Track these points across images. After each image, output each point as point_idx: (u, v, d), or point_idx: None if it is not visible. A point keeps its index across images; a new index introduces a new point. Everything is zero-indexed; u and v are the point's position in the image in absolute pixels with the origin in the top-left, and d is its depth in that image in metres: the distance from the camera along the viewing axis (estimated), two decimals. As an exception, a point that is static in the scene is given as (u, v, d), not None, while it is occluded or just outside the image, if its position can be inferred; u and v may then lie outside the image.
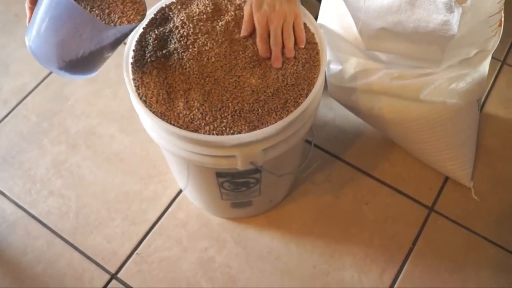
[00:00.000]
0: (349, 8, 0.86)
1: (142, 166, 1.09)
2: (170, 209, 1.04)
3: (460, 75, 0.91)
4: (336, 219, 1.03)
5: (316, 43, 0.79)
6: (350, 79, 0.97)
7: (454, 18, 0.77)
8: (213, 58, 0.76)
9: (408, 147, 1.05)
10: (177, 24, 0.79)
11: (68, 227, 1.03)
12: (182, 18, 0.80)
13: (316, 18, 0.83)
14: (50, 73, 1.21)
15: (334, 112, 1.15)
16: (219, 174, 0.81)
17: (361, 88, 0.97)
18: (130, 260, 0.99)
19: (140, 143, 1.11)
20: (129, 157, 1.10)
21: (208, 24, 0.79)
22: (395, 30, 0.81)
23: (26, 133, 1.14)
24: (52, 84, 1.20)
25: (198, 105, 0.72)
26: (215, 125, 0.71)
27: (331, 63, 0.99)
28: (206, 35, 0.78)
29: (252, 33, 0.78)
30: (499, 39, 0.89)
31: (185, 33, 0.78)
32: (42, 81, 1.21)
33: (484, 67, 0.96)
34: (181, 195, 1.06)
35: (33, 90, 1.19)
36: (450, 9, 0.77)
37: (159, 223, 1.03)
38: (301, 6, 0.80)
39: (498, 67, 1.22)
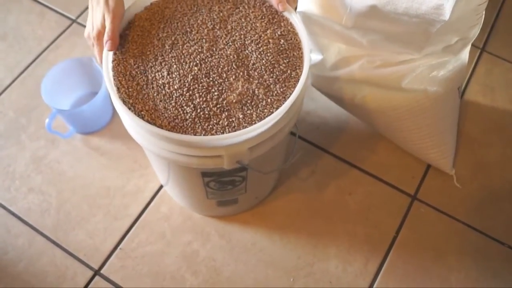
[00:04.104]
0: None
1: (123, 160, 1.08)
2: (152, 203, 1.03)
3: (441, 63, 0.91)
4: (320, 210, 1.03)
5: (299, 41, 0.78)
6: (332, 68, 0.96)
7: (448, 4, 0.76)
8: (195, 59, 0.74)
9: (390, 136, 1.05)
10: (155, 25, 0.78)
11: (49, 224, 1.01)
12: (159, 19, 0.78)
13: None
14: (26, 68, 1.19)
15: (316, 103, 1.14)
16: (204, 174, 0.80)
17: (343, 77, 0.96)
18: (113, 255, 0.98)
19: (120, 138, 1.10)
20: (109, 151, 1.09)
21: (186, 23, 0.78)
22: (385, 9, 0.80)
23: (3, 129, 1.11)
24: (28, 79, 1.18)
25: (181, 108, 0.71)
26: (201, 127, 0.70)
27: (312, 53, 0.98)
28: (185, 36, 0.77)
29: None
30: (480, 27, 0.89)
31: (164, 35, 0.77)
32: (18, 76, 1.18)
33: (465, 54, 0.96)
34: (163, 189, 1.05)
35: (9, 86, 1.17)
36: None
37: (142, 217, 1.02)
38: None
39: (477, 54, 1.23)
